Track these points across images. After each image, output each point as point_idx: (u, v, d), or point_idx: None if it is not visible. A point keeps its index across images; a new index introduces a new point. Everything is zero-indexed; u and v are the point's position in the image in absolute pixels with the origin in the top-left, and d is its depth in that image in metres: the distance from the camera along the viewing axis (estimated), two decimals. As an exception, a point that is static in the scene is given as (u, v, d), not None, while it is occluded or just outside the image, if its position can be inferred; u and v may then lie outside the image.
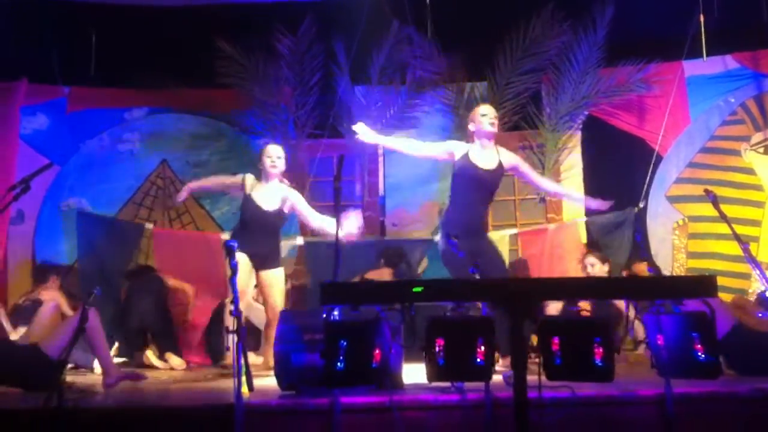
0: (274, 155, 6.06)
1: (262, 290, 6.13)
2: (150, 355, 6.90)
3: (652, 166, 7.51)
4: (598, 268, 6.65)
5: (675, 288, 3.97)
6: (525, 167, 6.01)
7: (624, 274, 6.86)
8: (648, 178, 7.44)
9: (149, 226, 7.41)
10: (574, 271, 7.09)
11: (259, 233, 5.92)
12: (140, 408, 4.55)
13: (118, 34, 7.31)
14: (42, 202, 7.53)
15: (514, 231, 7.76)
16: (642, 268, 6.71)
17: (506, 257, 7.20)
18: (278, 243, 6.11)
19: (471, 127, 5.86)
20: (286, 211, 6.07)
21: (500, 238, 7.40)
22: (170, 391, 5.27)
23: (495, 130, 5.80)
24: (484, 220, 6.07)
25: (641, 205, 7.40)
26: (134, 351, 6.93)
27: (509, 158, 5.88)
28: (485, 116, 5.80)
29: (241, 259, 5.68)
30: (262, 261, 5.97)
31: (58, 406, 3.95)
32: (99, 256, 7.15)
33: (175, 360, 6.80)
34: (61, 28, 7.28)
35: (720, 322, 4.25)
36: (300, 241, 7.53)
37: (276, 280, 6.03)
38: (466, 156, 5.74)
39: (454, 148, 5.83)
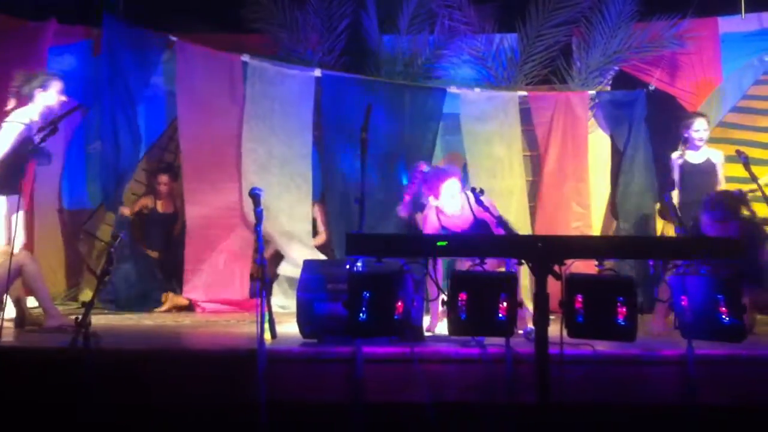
0: None
1: None
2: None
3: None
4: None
5: (703, 249, 3.94)
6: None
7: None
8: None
9: (173, 38, 7.23)
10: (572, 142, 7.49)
11: None
12: (163, 350, 4.62)
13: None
14: (69, 143, 7.54)
15: (524, 93, 7.76)
16: (669, 228, 6.67)
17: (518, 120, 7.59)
18: None
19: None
20: None
21: (511, 97, 7.66)
22: (193, 335, 5.35)
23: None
24: None
25: (651, 88, 7.52)
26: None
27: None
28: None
29: None
30: None
31: (84, 346, 4.02)
32: (124, 72, 7.03)
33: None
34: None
35: None
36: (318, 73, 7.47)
37: None
38: None
39: None
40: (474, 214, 5.39)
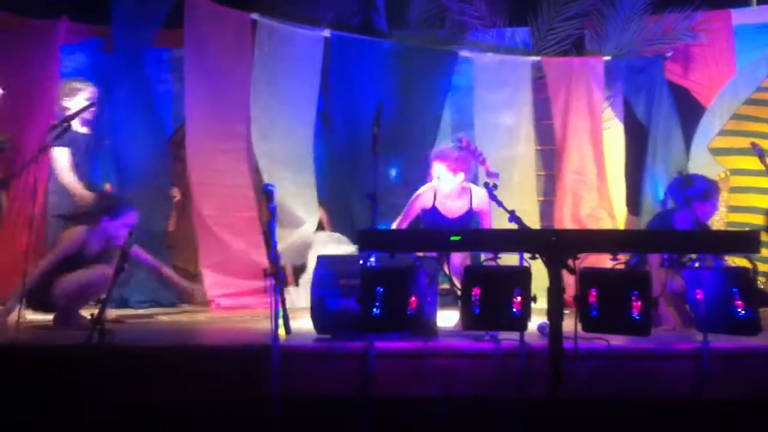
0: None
1: None
2: None
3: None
4: None
5: (717, 243, 3.93)
6: None
7: None
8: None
9: None
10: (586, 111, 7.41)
11: None
12: (177, 346, 4.64)
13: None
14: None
15: (537, 58, 7.69)
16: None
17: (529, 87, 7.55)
18: None
19: None
20: None
21: (523, 62, 7.63)
22: (208, 331, 5.36)
23: None
24: None
25: (668, 55, 7.48)
26: None
27: None
28: None
29: None
30: None
31: (99, 342, 4.03)
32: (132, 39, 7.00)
33: None
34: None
35: None
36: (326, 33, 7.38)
37: None
38: None
39: None
40: (471, 206, 5.44)
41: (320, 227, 7.50)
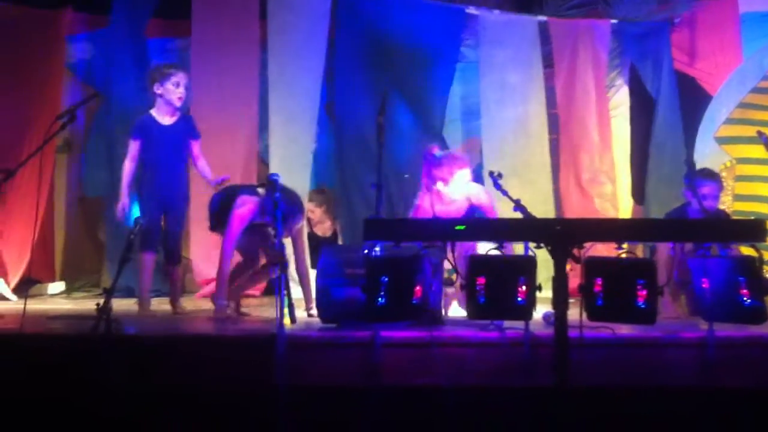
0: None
1: None
2: None
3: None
4: None
5: (724, 232, 3.91)
6: None
7: None
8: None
9: None
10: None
11: None
12: (183, 336, 4.65)
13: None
14: (89, 131, 7.55)
15: (543, 18, 7.56)
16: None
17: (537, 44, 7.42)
18: None
19: None
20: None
21: (529, 21, 7.53)
22: (213, 320, 5.36)
23: None
24: None
25: (676, 21, 7.43)
26: None
27: None
28: None
29: None
30: None
31: (105, 332, 4.05)
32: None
33: None
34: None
35: None
36: None
37: None
38: None
39: None
40: (471, 203, 5.34)
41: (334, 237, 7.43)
